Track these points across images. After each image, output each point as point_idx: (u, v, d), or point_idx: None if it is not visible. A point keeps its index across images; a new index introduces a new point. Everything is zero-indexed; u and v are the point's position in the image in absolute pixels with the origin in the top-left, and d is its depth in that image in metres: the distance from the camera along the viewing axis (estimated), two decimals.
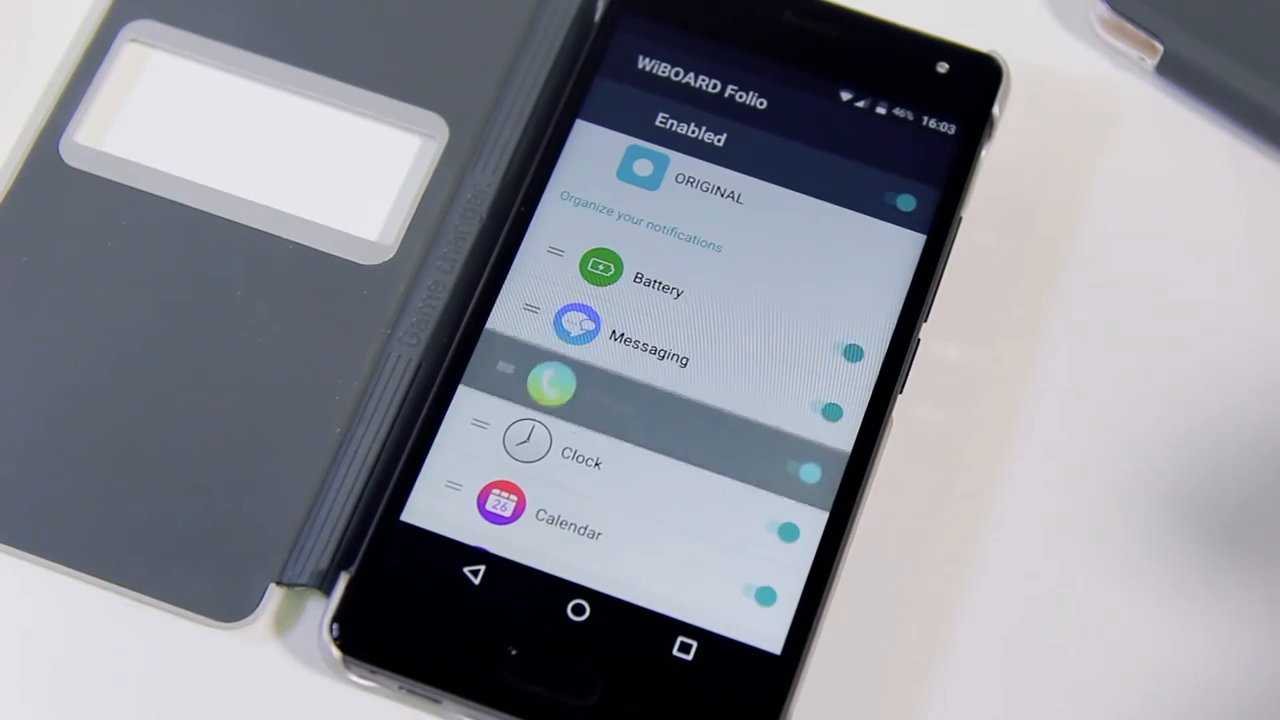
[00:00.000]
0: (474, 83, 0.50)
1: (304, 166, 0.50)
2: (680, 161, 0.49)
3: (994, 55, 0.50)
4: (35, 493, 0.46)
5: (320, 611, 0.45)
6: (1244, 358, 0.49)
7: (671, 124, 0.50)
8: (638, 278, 0.48)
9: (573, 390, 0.47)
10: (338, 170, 0.50)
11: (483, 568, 0.45)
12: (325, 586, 0.46)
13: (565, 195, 0.49)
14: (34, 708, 0.45)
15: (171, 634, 0.46)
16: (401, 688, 0.45)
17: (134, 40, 0.51)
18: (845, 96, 0.50)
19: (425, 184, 0.50)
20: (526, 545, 0.46)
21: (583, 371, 0.47)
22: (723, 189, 0.49)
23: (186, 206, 0.49)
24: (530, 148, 0.50)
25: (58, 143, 0.50)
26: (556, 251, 0.48)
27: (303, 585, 0.46)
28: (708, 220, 0.49)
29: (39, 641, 0.46)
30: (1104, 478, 0.48)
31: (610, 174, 0.49)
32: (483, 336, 0.47)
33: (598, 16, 0.51)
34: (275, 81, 0.51)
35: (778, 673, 0.45)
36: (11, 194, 0.49)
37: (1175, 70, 0.51)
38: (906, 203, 0.49)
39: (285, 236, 0.49)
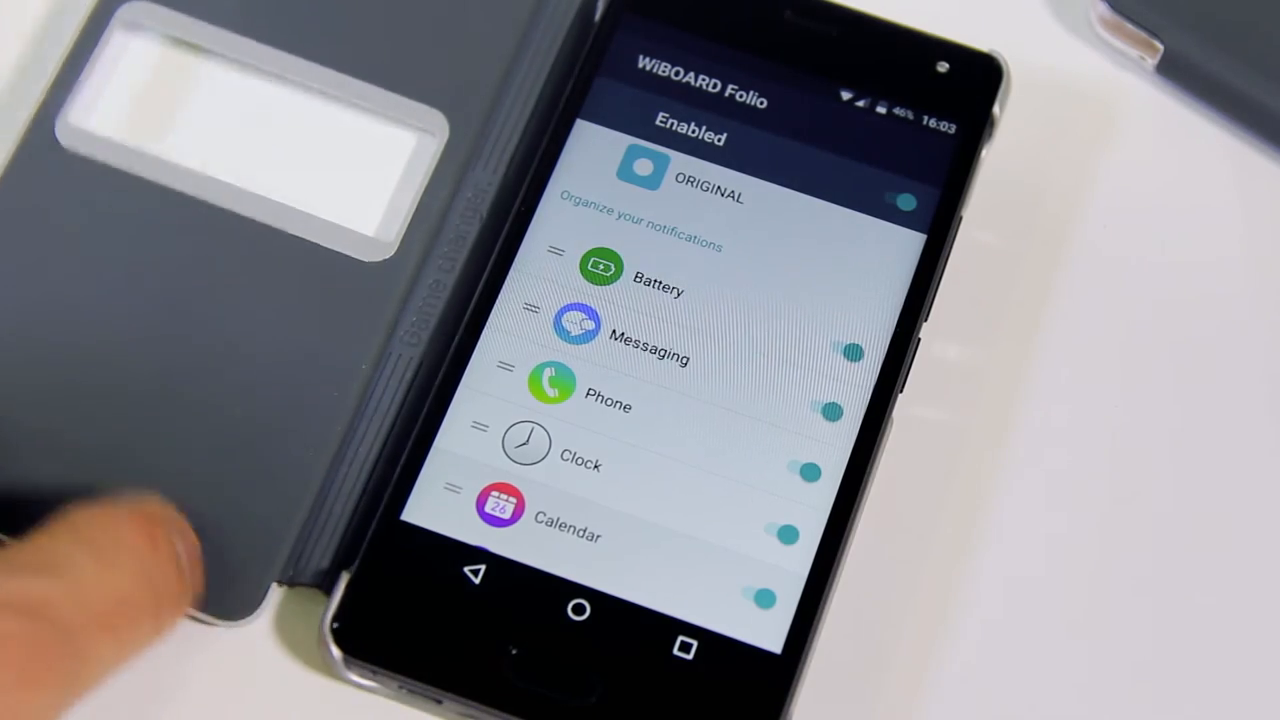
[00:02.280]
0: (475, 79, 0.50)
1: (301, 158, 0.50)
2: (680, 161, 0.49)
3: (994, 55, 0.50)
4: (34, 487, 0.46)
5: (320, 611, 0.45)
6: (1245, 357, 0.49)
7: (672, 124, 0.50)
8: (638, 277, 0.48)
9: (573, 390, 0.47)
10: (336, 163, 0.50)
11: (483, 567, 0.45)
12: (326, 586, 0.46)
13: (565, 195, 0.49)
14: None
15: (172, 632, 0.46)
16: (402, 687, 0.45)
17: (128, 23, 0.51)
18: (845, 96, 0.50)
19: (425, 181, 0.50)
20: (526, 545, 0.46)
21: (583, 371, 0.47)
22: (723, 189, 0.49)
23: (184, 194, 0.49)
24: (530, 146, 0.50)
25: (53, 125, 0.49)
26: (556, 251, 0.48)
27: (304, 584, 0.46)
28: (708, 220, 0.49)
29: None
30: (1104, 477, 0.48)
31: (610, 173, 0.49)
32: (483, 336, 0.47)
33: (598, 15, 0.51)
34: (273, 69, 0.50)
35: (778, 672, 0.45)
36: (6, 176, 0.49)
37: (1175, 70, 0.51)
38: (907, 202, 0.49)
39: (283, 229, 0.49)
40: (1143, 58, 0.51)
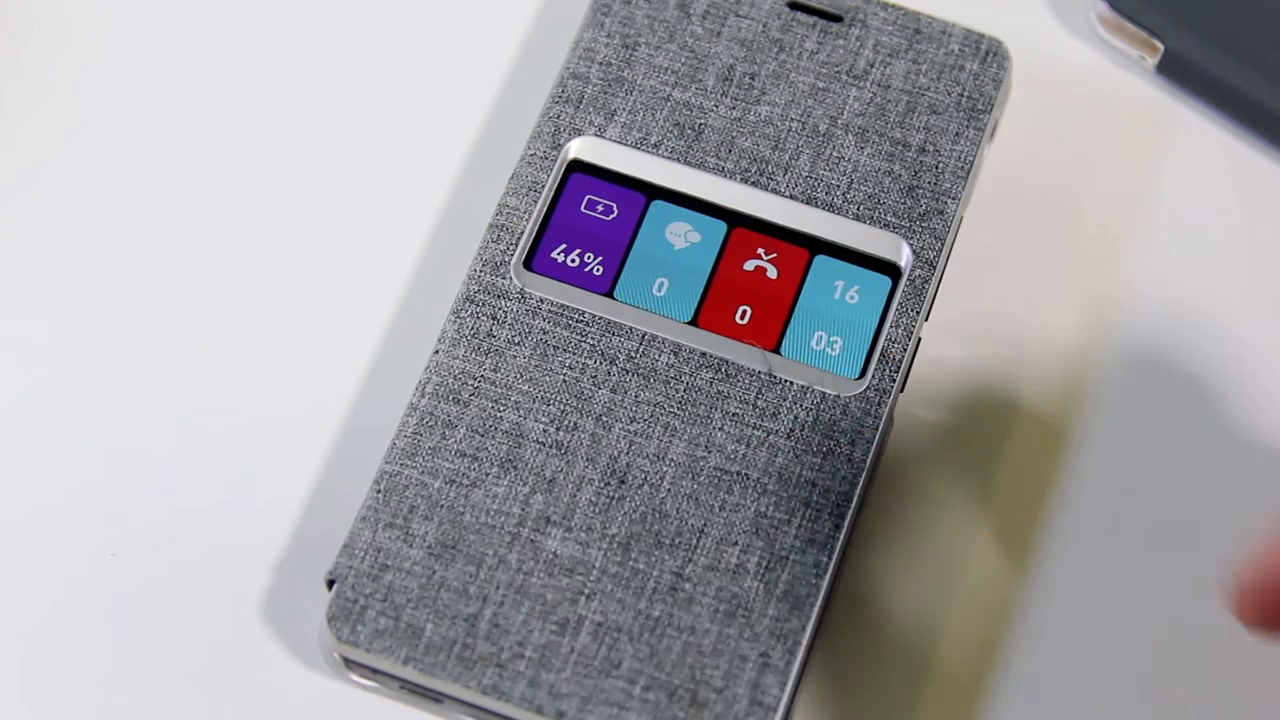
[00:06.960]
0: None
1: None
2: None
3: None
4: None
5: (320, 612, 0.45)
6: (1245, 358, 0.49)
7: None
8: None
9: None
10: None
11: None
12: (326, 586, 0.46)
13: None
14: (36, 707, 0.45)
15: (173, 632, 0.46)
16: (402, 687, 0.45)
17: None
18: None
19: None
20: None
21: None
22: None
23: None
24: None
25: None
26: None
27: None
28: None
29: (42, 642, 0.46)
30: (1103, 472, 0.48)
31: None
32: None
33: None
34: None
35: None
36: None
37: (1175, 70, 0.51)
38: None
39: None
40: (1143, 57, 0.51)
